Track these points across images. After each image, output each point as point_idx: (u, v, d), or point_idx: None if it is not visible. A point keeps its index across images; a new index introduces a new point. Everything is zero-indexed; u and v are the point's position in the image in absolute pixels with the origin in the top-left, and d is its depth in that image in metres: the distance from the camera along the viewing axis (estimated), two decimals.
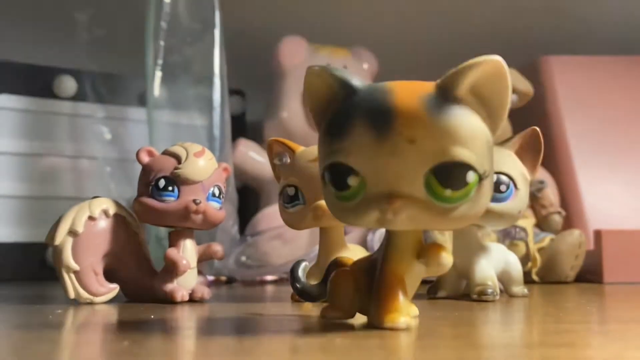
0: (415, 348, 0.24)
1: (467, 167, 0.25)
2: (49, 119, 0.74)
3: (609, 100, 0.83)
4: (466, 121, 0.25)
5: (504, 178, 0.41)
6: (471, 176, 0.25)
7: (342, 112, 0.26)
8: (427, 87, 0.25)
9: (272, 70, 0.83)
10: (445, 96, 0.25)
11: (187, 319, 0.34)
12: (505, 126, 0.64)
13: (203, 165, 0.42)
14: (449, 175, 0.25)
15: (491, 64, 0.25)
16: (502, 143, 0.43)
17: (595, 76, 0.84)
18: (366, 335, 0.26)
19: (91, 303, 0.40)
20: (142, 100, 0.73)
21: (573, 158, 0.78)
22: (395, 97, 0.25)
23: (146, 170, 0.42)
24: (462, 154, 0.24)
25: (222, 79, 0.69)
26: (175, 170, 0.41)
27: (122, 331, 0.30)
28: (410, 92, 0.25)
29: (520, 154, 0.43)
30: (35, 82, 0.73)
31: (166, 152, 0.43)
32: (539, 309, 0.39)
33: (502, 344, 0.25)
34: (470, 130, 0.25)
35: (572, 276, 0.62)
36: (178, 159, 0.42)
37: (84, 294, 0.40)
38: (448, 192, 0.25)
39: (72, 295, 0.40)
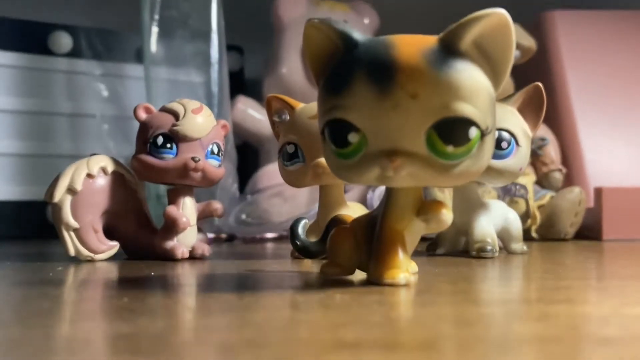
0: (414, 304, 0.24)
1: (470, 122, 0.24)
2: (45, 76, 0.73)
3: (613, 56, 0.81)
4: (469, 76, 0.24)
5: (505, 134, 0.40)
6: (473, 132, 0.25)
7: (343, 67, 0.25)
8: (429, 41, 0.25)
9: (271, 25, 0.82)
10: (448, 50, 0.24)
11: (187, 276, 0.34)
12: (507, 82, 0.63)
13: (201, 122, 0.41)
14: (451, 131, 0.24)
15: (495, 18, 0.24)
16: (505, 99, 0.42)
17: (599, 31, 0.82)
18: (366, 291, 0.26)
19: (91, 260, 0.41)
20: (139, 56, 0.72)
21: (575, 115, 0.78)
22: (397, 51, 0.24)
23: (144, 127, 0.42)
24: (465, 109, 0.24)
25: (219, 34, 0.68)
26: (174, 127, 0.41)
27: (122, 288, 0.30)
28: (412, 46, 0.24)
29: (523, 110, 0.42)
30: (29, 38, 0.72)
31: (164, 109, 0.42)
32: (537, 266, 0.39)
33: (500, 300, 0.25)
34: (473, 86, 0.24)
35: (571, 233, 0.62)
36: (176, 116, 0.41)
37: (84, 251, 0.40)
38: (450, 148, 0.25)
39: (72, 252, 0.40)
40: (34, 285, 0.30)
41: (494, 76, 0.26)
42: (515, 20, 0.26)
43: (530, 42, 0.73)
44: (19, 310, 0.24)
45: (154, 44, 0.66)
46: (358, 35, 0.26)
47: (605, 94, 0.79)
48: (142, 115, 0.42)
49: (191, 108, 0.41)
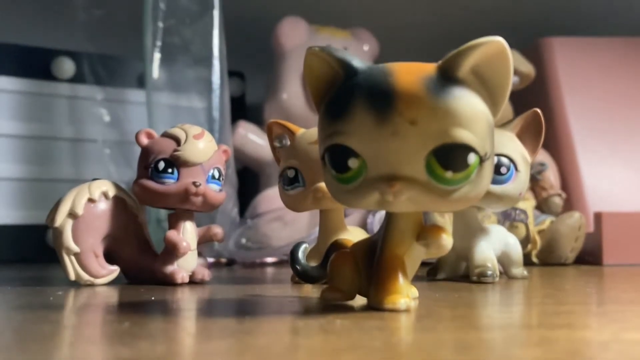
0: (414, 329, 0.24)
1: (469, 148, 0.25)
2: (48, 101, 0.73)
3: (610, 82, 0.82)
4: (468, 102, 0.25)
5: (504, 160, 0.41)
6: (472, 158, 0.25)
7: (343, 94, 0.26)
8: (428, 69, 0.25)
9: (272, 51, 0.83)
10: (447, 77, 0.25)
11: (187, 301, 0.34)
12: (506, 108, 0.63)
13: (203, 148, 0.42)
14: (450, 156, 0.25)
15: (493, 45, 0.25)
16: (503, 125, 0.42)
17: (596, 58, 0.83)
18: (366, 316, 0.26)
19: (92, 285, 0.41)
20: (141, 82, 0.73)
21: (574, 140, 0.78)
22: (396, 78, 0.25)
23: (145, 152, 0.42)
24: (464, 135, 0.24)
25: (221, 60, 0.68)
26: (175, 153, 0.41)
27: (122, 312, 0.30)
28: (411, 73, 0.25)
29: (521, 136, 0.42)
30: (33, 63, 0.73)
31: (165, 134, 0.42)
32: (538, 291, 0.39)
33: (501, 325, 0.25)
34: (471, 112, 0.25)
35: (571, 258, 0.62)
36: (177, 141, 0.41)
37: (84, 275, 0.40)
38: (449, 174, 0.25)
39: (72, 277, 0.40)
40: (34, 309, 0.30)
41: (492, 103, 0.26)
42: (513, 46, 0.26)
43: (528, 68, 0.74)
44: (19, 334, 0.24)
45: (156, 70, 0.67)
46: (358, 62, 0.26)
47: (603, 119, 0.80)
48: (144, 140, 0.42)
49: (193, 133, 0.42)
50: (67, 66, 0.73)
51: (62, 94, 0.74)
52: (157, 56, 0.67)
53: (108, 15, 0.72)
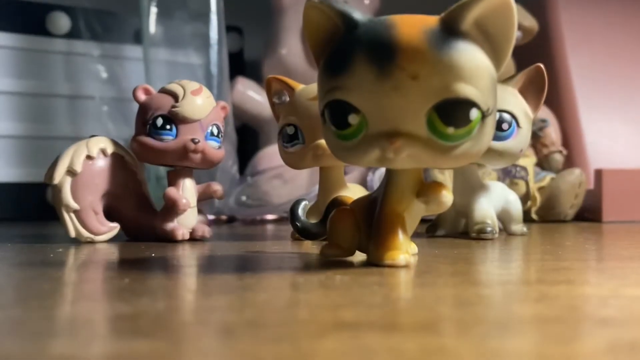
0: (414, 285, 0.24)
1: (471, 104, 0.24)
2: (43, 57, 0.72)
3: (614, 38, 0.81)
4: (471, 57, 0.24)
5: (506, 116, 0.40)
6: (474, 113, 0.24)
7: (343, 47, 0.25)
8: (430, 21, 0.25)
9: (271, 6, 0.81)
10: (450, 30, 0.24)
11: (187, 257, 0.34)
12: (508, 63, 0.63)
13: (201, 104, 0.41)
14: (452, 112, 0.24)
15: None
16: (506, 80, 0.42)
17: (600, 13, 0.82)
18: (366, 272, 0.26)
19: (92, 242, 0.41)
20: (137, 37, 0.72)
21: (576, 96, 0.77)
22: (398, 31, 0.24)
23: (143, 108, 0.42)
24: (466, 90, 0.24)
25: (219, 15, 0.67)
26: (173, 109, 0.41)
27: (122, 269, 0.30)
28: (413, 26, 0.24)
29: (524, 91, 0.42)
30: (27, 19, 0.72)
31: (163, 90, 0.42)
32: (537, 247, 0.39)
33: (500, 281, 0.26)
34: (474, 67, 0.24)
35: (571, 215, 0.62)
36: (175, 97, 0.41)
37: (84, 232, 0.40)
38: (450, 130, 0.24)
39: (72, 234, 0.40)
40: (34, 266, 0.30)
41: (496, 57, 0.25)
42: (516, 0, 0.26)
43: (531, 22, 0.72)
44: (19, 292, 0.24)
45: (152, 25, 0.66)
46: (358, 15, 0.26)
47: (606, 76, 0.79)
48: (141, 96, 0.42)
49: (190, 89, 0.41)
50: (62, 21, 0.72)
51: (58, 50, 0.73)
52: (153, 11, 0.66)
53: None
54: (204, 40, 0.67)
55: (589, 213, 0.64)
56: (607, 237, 0.46)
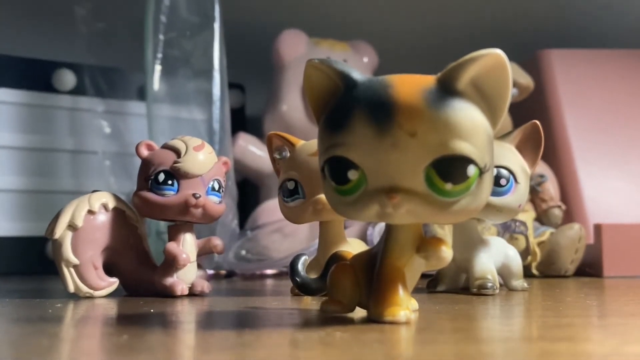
0: (414, 342, 0.24)
1: (468, 160, 0.25)
2: (49, 113, 0.73)
3: (610, 94, 0.82)
4: (467, 114, 0.25)
5: (504, 172, 0.41)
6: (472, 170, 0.25)
7: (342, 106, 0.26)
8: (427, 81, 0.25)
9: (272, 63, 0.83)
10: (446, 89, 0.25)
11: (186, 313, 0.34)
12: (505, 120, 0.64)
13: (203, 159, 0.42)
14: (450, 168, 0.25)
15: (492, 57, 0.25)
16: (503, 137, 0.43)
17: (595, 70, 0.84)
18: (366, 329, 0.26)
19: (91, 297, 0.40)
20: (141, 94, 0.73)
21: (573, 152, 0.78)
22: (395, 90, 0.25)
23: (146, 164, 0.42)
24: (463, 147, 0.24)
25: (221, 72, 0.69)
26: (175, 164, 0.41)
27: (121, 325, 0.30)
28: (410, 85, 0.25)
29: (521, 147, 0.43)
30: (34, 75, 0.73)
31: (166, 146, 0.42)
32: (538, 303, 0.39)
33: (501, 338, 0.25)
34: (471, 124, 0.25)
35: (572, 270, 0.62)
36: (178, 153, 0.42)
37: (83, 287, 0.40)
38: (449, 186, 0.25)
39: (71, 289, 0.40)
40: (32, 322, 0.30)
41: (492, 115, 0.26)
42: (512, 58, 0.26)
43: (527, 80, 0.74)
44: (17, 348, 0.24)
45: (156, 82, 0.67)
46: (357, 74, 0.26)
47: (602, 131, 0.80)
48: (144, 152, 0.42)
49: (193, 145, 0.42)
50: (68, 78, 0.74)
51: (63, 105, 0.74)
52: (157, 68, 0.67)
53: (109, 28, 0.73)
54: (207, 97, 0.68)
55: (590, 268, 0.63)
56: (609, 293, 0.46)
